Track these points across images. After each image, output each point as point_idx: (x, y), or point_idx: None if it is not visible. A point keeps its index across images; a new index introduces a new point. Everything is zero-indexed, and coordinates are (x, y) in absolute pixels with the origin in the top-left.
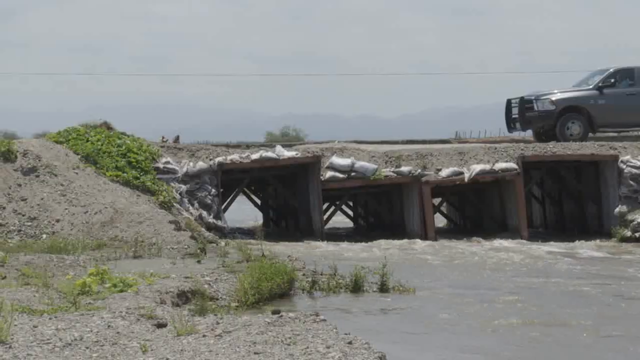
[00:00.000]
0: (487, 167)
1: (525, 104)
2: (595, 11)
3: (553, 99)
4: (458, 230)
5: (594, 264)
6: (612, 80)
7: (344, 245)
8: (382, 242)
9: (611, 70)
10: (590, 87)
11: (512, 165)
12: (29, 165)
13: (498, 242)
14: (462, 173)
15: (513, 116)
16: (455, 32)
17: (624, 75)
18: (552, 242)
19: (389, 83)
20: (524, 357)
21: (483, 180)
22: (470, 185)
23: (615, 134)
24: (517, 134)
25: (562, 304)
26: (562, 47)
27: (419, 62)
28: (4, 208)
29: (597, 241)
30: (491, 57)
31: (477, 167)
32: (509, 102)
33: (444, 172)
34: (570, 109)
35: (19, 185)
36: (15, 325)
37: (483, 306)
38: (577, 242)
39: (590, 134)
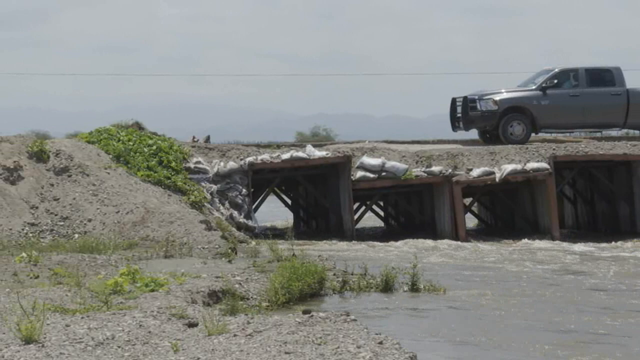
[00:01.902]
0: (519, 167)
1: (468, 103)
2: (627, 10)
3: (496, 99)
4: (489, 230)
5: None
6: (556, 81)
7: (375, 245)
8: (413, 242)
9: (555, 70)
10: (534, 87)
11: (543, 165)
12: (62, 165)
13: (529, 243)
14: (493, 173)
15: (457, 115)
16: (485, 31)
17: (568, 75)
18: (590, 243)
19: (419, 82)
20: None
21: (514, 180)
22: (501, 185)
23: None
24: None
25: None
26: (593, 46)
27: (449, 62)
28: (37, 208)
29: (634, 241)
30: (520, 56)
31: (508, 167)
32: (453, 101)
33: (475, 172)
34: (513, 110)
35: (52, 185)
36: (48, 324)
37: (514, 307)
38: (615, 243)
39: (629, 131)
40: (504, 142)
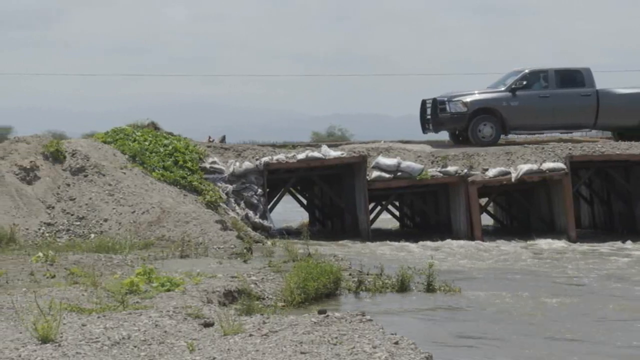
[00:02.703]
0: (535, 167)
1: (437, 105)
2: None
3: (465, 100)
4: (505, 230)
5: None
6: (525, 82)
7: (390, 245)
8: (429, 242)
9: (525, 71)
10: (503, 88)
11: (559, 165)
12: (78, 165)
13: (546, 243)
14: (509, 173)
15: (427, 117)
16: (498, 30)
17: (538, 77)
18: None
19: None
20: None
21: (530, 180)
22: (517, 185)
23: None
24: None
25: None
26: (603, 45)
27: (462, 61)
28: (53, 208)
29: None
30: (533, 55)
31: (524, 167)
32: (423, 102)
33: (491, 172)
34: (482, 111)
35: (68, 185)
36: (64, 324)
37: (530, 307)
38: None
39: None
40: (473, 143)
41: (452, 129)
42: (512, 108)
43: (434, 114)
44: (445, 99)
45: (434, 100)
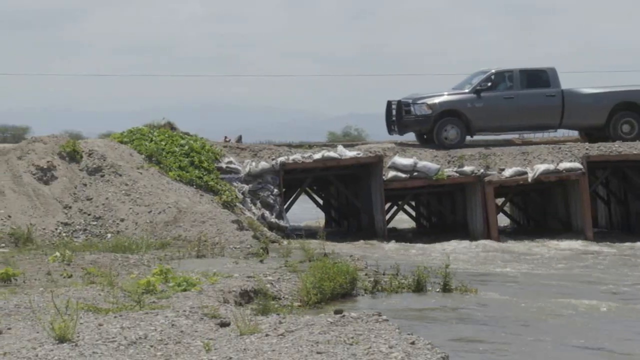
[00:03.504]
0: (551, 166)
1: (402, 107)
2: None
3: (429, 102)
4: (521, 230)
5: None
6: (490, 83)
7: (407, 245)
8: (445, 242)
9: (489, 72)
10: (468, 90)
11: (576, 165)
12: (94, 165)
13: (563, 243)
14: (525, 173)
15: (392, 119)
16: (519, 30)
17: (503, 77)
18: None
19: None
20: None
21: (547, 180)
22: (534, 185)
23: None
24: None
25: None
26: (627, 45)
27: (482, 61)
28: (70, 207)
29: None
30: (556, 55)
31: (541, 167)
32: (389, 104)
33: (507, 172)
34: (447, 113)
35: (85, 185)
36: (81, 323)
37: (546, 308)
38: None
39: None
40: (438, 146)
41: (417, 131)
42: (477, 109)
43: (399, 116)
44: (410, 101)
45: (399, 102)
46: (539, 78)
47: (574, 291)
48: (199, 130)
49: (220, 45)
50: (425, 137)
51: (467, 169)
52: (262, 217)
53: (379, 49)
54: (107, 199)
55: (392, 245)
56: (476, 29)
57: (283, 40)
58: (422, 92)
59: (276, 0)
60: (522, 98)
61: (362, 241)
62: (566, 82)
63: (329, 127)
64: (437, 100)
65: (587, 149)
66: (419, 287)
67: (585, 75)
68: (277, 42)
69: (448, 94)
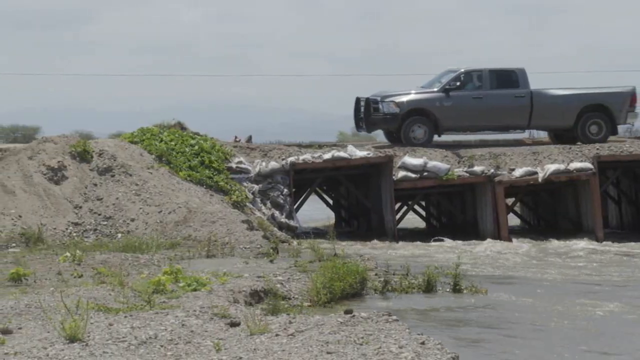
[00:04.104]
0: (562, 166)
1: (370, 104)
2: None
3: (397, 101)
4: (532, 230)
5: None
6: (458, 83)
7: (416, 245)
8: (455, 242)
9: (458, 71)
10: (437, 89)
11: (587, 165)
12: (105, 165)
13: (576, 243)
14: (536, 173)
15: (360, 116)
16: (527, 29)
17: (472, 77)
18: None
19: None
20: None
21: (557, 180)
22: (544, 185)
23: None
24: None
25: None
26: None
27: (491, 60)
28: (81, 207)
29: None
30: (564, 55)
31: (551, 167)
32: (357, 100)
33: (518, 172)
34: (415, 112)
35: (95, 184)
36: (92, 323)
37: (556, 308)
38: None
39: None
40: (406, 145)
41: (385, 129)
42: (445, 109)
43: (367, 114)
44: (378, 98)
45: (367, 100)
46: (508, 78)
47: (590, 293)
48: (210, 130)
49: (230, 45)
50: (394, 135)
51: (477, 169)
52: (272, 217)
53: (386, 48)
54: (117, 199)
55: (399, 245)
56: (484, 29)
57: (293, 39)
58: (391, 89)
59: (286, 1)
60: (490, 98)
61: (382, 241)
62: (571, 83)
63: (338, 126)
64: (405, 98)
65: (597, 149)
66: (429, 288)
67: (592, 75)
68: (287, 42)
69: (416, 93)
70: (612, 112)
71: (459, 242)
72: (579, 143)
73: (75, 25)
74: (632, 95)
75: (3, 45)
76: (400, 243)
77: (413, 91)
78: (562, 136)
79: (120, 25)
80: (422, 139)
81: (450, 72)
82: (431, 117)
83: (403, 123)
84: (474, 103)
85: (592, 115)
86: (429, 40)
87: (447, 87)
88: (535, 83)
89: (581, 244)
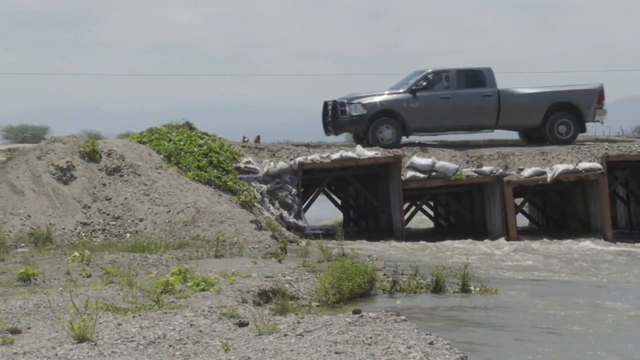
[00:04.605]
0: (571, 166)
1: (338, 107)
2: None
3: (364, 102)
4: (540, 230)
5: None
6: (425, 83)
7: (425, 245)
8: (464, 242)
9: (425, 72)
10: (404, 90)
11: (596, 165)
12: (113, 165)
13: (583, 243)
14: (544, 173)
15: (329, 119)
16: (535, 29)
17: (439, 77)
18: None
19: None
20: None
21: (566, 180)
22: (552, 185)
23: None
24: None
25: None
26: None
27: (498, 60)
28: (89, 207)
29: None
30: (573, 54)
31: (560, 167)
32: (325, 104)
33: (526, 172)
34: (382, 113)
35: (104, 184)
36: (100, 323)
37: (568, 310)
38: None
39: None
40: (373, 146)
41: (353, 131)
42: (413, 110)
43: (334, 116)
44: (345, 100)
45: (334, 102)
46: (475, 78)
47: (598, 293)
48: (218, 130)
49: (237, 45)
50: (362, 138)
51: (486, 169)
52: (281, 217)
53: (393, 48)
54: (126, 198)
55: (408, 244)
56: (490, 29)
57: (299, 39)
58: (359, 91)
59: (292, 0)
60: (458, 98)
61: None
62: (579, 82)
63: None
64: (372, 100)
65: (606, 149)
66: (437, 288)
67: (599, 75)
68: (293, 42)
69: (383, 94)
70: (580, 109)
71: (468, 241)
72: (588, 143)
73: (83, 24)
74: (599, 92)
75: (6, 45)
76: (409, 243)
77: (381, 93)
78: (532, 136)
79: (128, 25)
80: (390, 140)
81: (417, 73)
82: (398, 118)
83: (370, 124)
84: (441, 103)
85: (561, 114)
86: (434, 39)
87: (413, 87)
88: (540, 83)
89: (590, 244)
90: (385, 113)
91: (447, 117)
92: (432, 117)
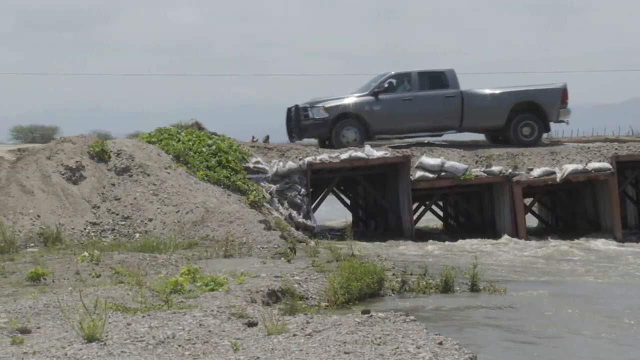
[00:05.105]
0: (580, 166)
1: (300, 112)
2: None
3: (326, 106)
4: (550, 230)
5: None
6: (387, 85)
7: (434, 244)
8: (473, 242)
9: (387, 75)
10: (366, 93)
11: (605, 165)
12: (123, 165)
13: (593, 244)
14: (554, 173)
15: (292, 125)
16: (547, 28)
17: (401, 79)
18: None
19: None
20: None
21: (575, 180)
22: (562, 185)
23: None
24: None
25: None
26: None
27: (509, 60)
28: (99, 207)
29: None
30: (576, 57)
31: (569, 167)
32: (289, 110)
33: (536, 172)
34: (345, 116)
35: (113, 184)
36: (110, 323)
37: (577, 311)
38: None
39: None
40: (337, 148)
41: (316, 136)
42: (375, 112)
43: (297, 121)
44: (308, 105)
45: (296, 107)
46: (437, 80)
47: (610, 295)
48: (227, 130)
49: (246, 45)
50: (326, 142)
51: (495, 169)
52: (290, 217)
53: (401, 48)
54: (135, 198)
55: (417, 245)
56: (502, 27)
57: (309, 39)
58: (322, 95)
59: (301, 1)
60: (420, 100)
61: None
62: (588, 82)
63: None
64: (334, 103)
65: (616, 149)
66: (446, 288)
67: (611, 75)
68: (303, 42)
69: (346, 97)
70: (543, 109)
71: (477, 241)
72: (597, 143)
73: (92, 24)
74: (563, 91)
75: (13, 45)
76: (418, 243)
77: (344, 96)
78: (497, 138)
79: (137, 25)
80: (354, 142)
81: (380, 76)
82: (361, 121)
83: (333, 128)
84: (404, 105)
85: (524, 117)
86: (446, 39)
87: (376, 90)
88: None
89: (600, 244)
90: (347, 116)
91: (410, 119)
92: (395, 120)
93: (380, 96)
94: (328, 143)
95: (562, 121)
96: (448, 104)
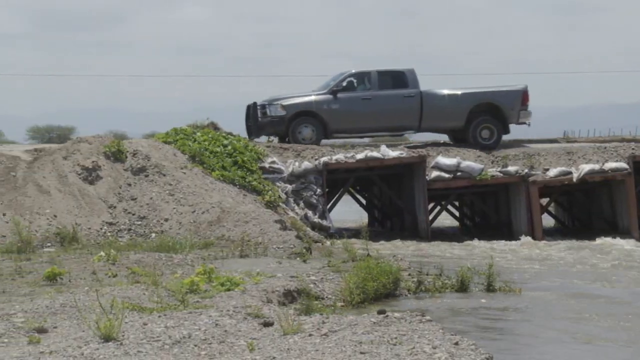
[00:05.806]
0: (597, 166)
1: (258, 109)
2: None
3: (284, 104)
4: (566, 230)
5: None
6: (345, 84)
7: (450, 245)
8: (489, 242)
9: (347, 73)
10: (325, 91)
11: (622, 164)
12: (139, 165)
13: (613, 243)
14: (570, 173)
15: (250, 122)
16: (566, 29)
17: (361, 78)
18: None
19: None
20: None
21: (592, 180)
22: (578, 185)
23: None
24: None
25: None
26: None
27: (527, 60)
28: (115, 207)
29: None
30: (594, 56)
31: (586, 167)
32: (248, 107)
33: (552, 172)
34: (302, 114)
35: (129, 184)
36: (126, 322)
37: (596, 314)
38: None
39: None
40: (294, 144)
41: (273, 133)
42: (334, 111)
43: (255, 119)
44: (266, 103)
45: (254, 105)
46: (397, 79)
47: (623, 296)
48: (243, 130)
49: (263, 46)
50: (286, 139)
51: (511, 169)
52: (305, 217)
53: (418, 49)
54: (151, 198)
55: (433, 245)
56: (520, 28)
57: (325, 39)
58: (281, 93)
59: (317, 1)
60: (379, 99)
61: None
62: (605, 83)
63: None
64: (291, 101)
65: (633, 149)
66: (462, 288)
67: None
68: (319, 42)
69: (304, 95)
70: (503, 111)
71: (494, 241)
72: (614, 143)
73: (110, 25)
74: (523, 93)
75: (32, 46)
76: (434, 243)
77: (302, 94)
78: (459, 140)
79: (155, 26)
80: (310, 140)
81: (340, 75)
82: (319, 119)
83: (290, 125)
84: (362, 105)
85: (484, 119)
86: (463, 40)
87: (334, 89)
88: (565, 83)
89: (619, 245)
90: (304, 114)
91: (368, 119)
92: (353, 119)
93: (339, 95)
94: (288, 140)
95: (523, 123)
96: (407, 104)
